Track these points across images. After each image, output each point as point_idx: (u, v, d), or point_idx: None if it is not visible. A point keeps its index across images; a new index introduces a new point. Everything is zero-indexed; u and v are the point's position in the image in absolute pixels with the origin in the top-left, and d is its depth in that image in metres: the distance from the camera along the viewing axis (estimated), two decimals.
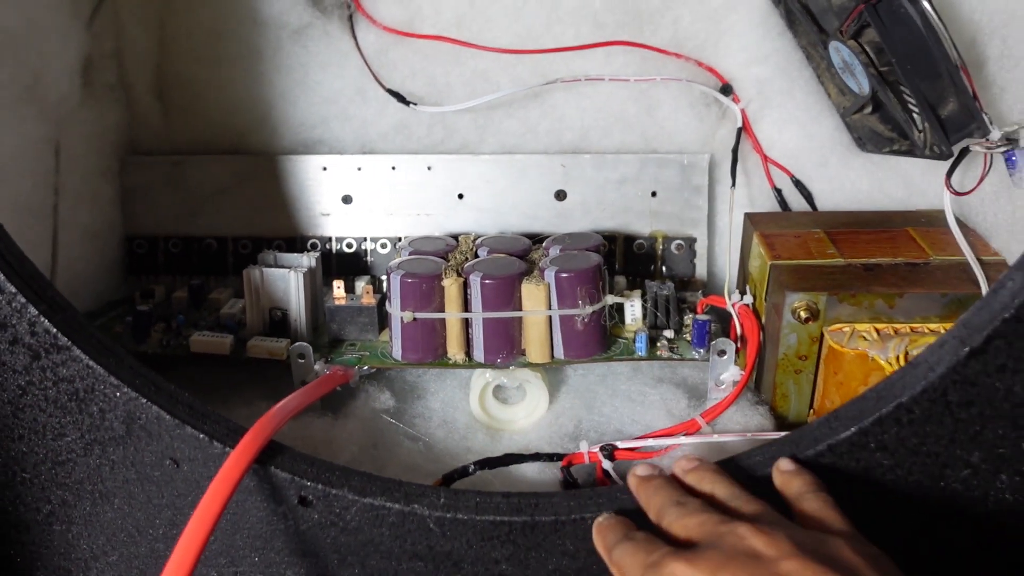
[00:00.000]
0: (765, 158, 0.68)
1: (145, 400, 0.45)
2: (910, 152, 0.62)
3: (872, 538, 0.39)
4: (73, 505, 0.47)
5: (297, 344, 0.59)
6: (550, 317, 0.57)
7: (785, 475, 0.42)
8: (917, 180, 0.67)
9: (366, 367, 0.59)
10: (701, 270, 0.68)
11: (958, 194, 0.58)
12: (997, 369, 0.40)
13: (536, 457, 0.54)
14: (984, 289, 0.53)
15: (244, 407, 0.58)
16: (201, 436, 0.45)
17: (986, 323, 0.40)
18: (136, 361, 0.47)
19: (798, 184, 0.68)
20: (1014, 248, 0.57)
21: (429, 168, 0.69)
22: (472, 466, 0.52)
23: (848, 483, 0.43)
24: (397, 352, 0.59)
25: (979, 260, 0.55)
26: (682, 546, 0.37)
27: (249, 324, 0.62)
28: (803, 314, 0.53)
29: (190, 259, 0.70)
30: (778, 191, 0.68)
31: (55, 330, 0.44)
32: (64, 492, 0.47)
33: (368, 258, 0.70)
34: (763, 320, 0.59)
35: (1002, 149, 0.54)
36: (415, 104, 0.68)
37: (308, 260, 0.63)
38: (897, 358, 0.51)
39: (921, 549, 0.44)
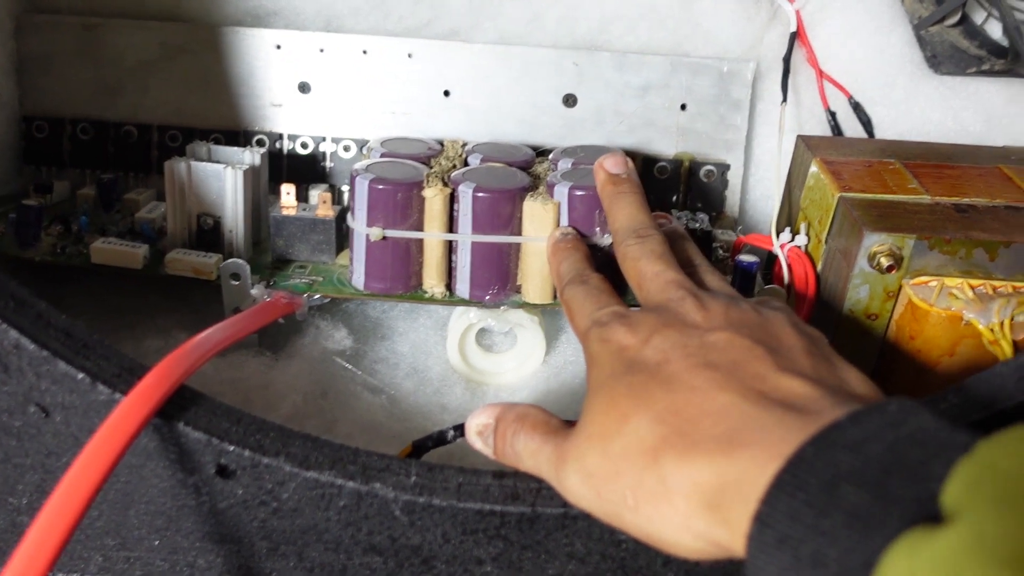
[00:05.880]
0: (820, 73, 0.56)
1: (0, 322, 0.32)
2: (1006, 72, 0.51)
3: None
4: None
5: (231, 261, 0.46)
6: None
7: None
8: (999, 111, 0.55)
9: (318, 295, 0.47)
10: (732, 203, 0.57)
11: None
12: None
13: None
14: None
15: (157, 337, 0.46)
16: (80, 376, 0.32)
17: None
18: None
19: (857, 107, 0.56)
20: None
21: (409, 55, 0.55)
22: (452, 431, 0.40)
23: None
24: (359, 279, 0.47)
25: None
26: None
27: (171, 233, 0.49)
28: (884, 261, 0.42)
29: (103, 149, 0.56)
30: (832, 114, 0.56)
31: None
32: None
33: (327, 162, 0.57)
34: (819, 267, 0.47)
35: None
36: None
37: (251, 156, 0.50)
38: (1001, 324, 0.40)
39: None
